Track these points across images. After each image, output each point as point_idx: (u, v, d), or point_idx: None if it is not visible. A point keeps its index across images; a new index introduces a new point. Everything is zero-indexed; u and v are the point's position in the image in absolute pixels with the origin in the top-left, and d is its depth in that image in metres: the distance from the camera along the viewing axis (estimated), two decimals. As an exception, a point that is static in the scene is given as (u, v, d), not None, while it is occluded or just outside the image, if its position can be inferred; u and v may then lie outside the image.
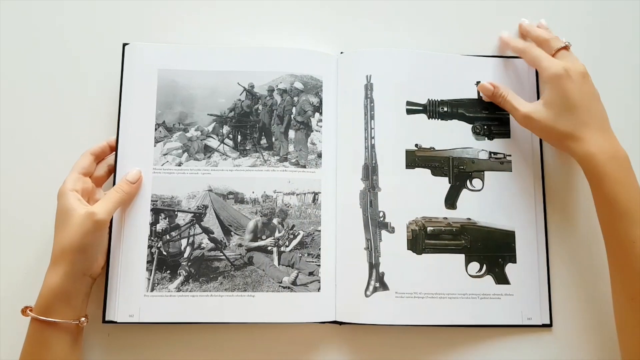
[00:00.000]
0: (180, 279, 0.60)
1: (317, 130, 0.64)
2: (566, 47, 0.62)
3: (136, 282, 0.59)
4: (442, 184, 0.64)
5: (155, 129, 0.63)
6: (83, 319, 0.56)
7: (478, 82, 0.65)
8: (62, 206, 0.56)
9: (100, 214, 0.55)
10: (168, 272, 0.60)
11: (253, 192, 0.63)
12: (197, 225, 0.62)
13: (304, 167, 0.63)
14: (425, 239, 0.62)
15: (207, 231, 0.62)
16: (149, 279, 0.59)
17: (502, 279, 0.62)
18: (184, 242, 0.61)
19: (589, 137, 0.57)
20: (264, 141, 0.64)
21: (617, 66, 0.69)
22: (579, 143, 0.57)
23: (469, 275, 0.62)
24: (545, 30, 0.66)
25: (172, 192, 0.62)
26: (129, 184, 0.60)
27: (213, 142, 0.64)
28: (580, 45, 0.65)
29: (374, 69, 0.64)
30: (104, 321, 0.58)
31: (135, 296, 0.59)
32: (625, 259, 0.54)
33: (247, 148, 0.64)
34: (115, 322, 0.58)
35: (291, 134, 0.64)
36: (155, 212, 0.61)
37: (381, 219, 0.62)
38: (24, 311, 0.53)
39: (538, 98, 0.65)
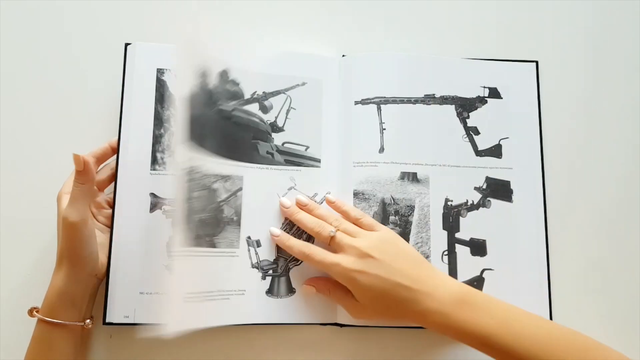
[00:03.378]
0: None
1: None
2: (334, 237, 0.56)
3: (131, 283, 0.58)
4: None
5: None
6: (88, 320, 0.55)
7: (485, 87, 0.66)
8: (58, 210, 0.56)
9: (71, 216, 0.52)
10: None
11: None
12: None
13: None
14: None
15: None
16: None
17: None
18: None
19: (423, 299, 0.52)
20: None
21: (616, 66, 0.70)
22: (418, 308, 0.52)
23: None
24: (310, 217, 0.58)
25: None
26: (79, 172, 0.54)
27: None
28: (580, 45, 0.65)
29: (376, 72, 0.65)
30: (104, 323, 0.58)
31: (130, 297, 0.58)
32: None
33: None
34: (112, 324, 0.58)
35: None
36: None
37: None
38: (30, 312, 0.54)
39: (539, 104, 0.66)
